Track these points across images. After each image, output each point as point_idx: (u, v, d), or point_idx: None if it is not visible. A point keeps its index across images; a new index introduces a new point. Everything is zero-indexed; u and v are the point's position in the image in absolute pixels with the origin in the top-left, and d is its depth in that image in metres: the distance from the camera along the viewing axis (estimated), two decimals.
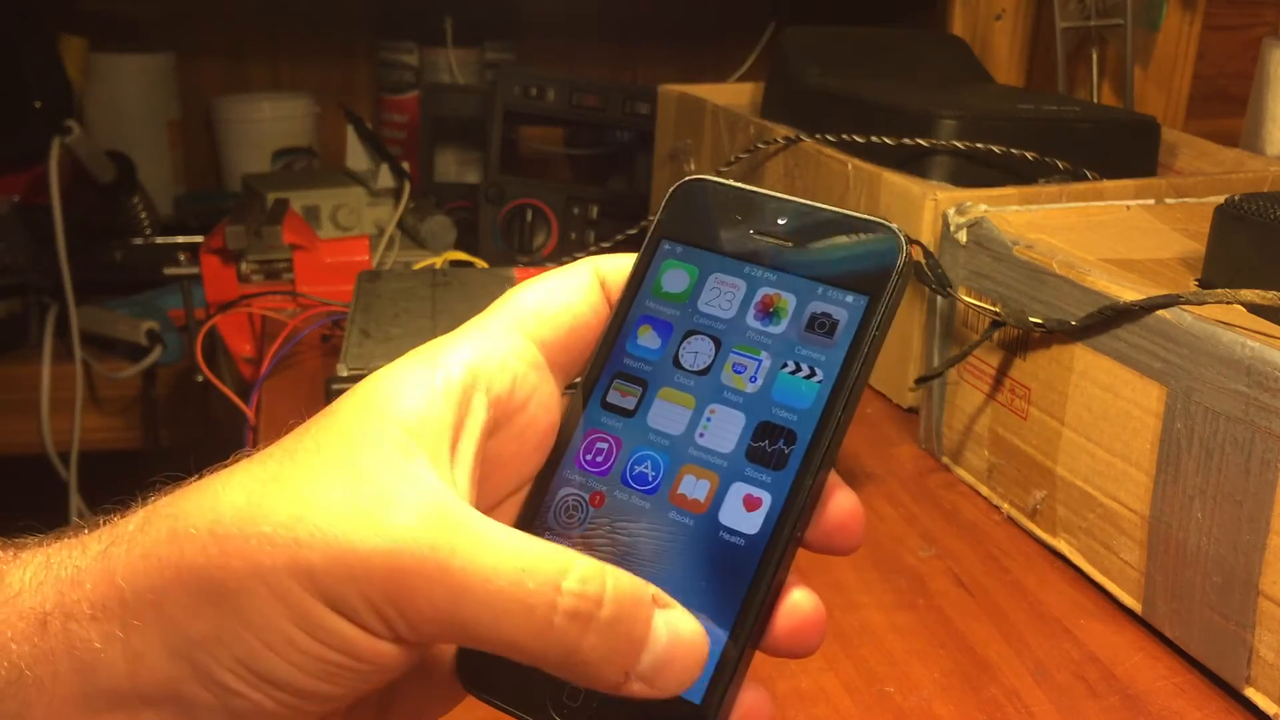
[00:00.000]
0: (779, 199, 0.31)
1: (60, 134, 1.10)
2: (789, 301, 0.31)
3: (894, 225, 0.30)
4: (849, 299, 0.30)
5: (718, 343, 0.31)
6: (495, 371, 0.29)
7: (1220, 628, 0.51)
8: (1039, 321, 0.60)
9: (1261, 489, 0.48)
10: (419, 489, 0.26)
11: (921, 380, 0.72)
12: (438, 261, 1.02)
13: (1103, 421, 0.57)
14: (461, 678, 0.29)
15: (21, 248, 1.14)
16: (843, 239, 0.31)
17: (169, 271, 1.04)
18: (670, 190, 0.33)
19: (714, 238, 0.32)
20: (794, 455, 0.29)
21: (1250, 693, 0.50)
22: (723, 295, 0.31)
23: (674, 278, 0.32)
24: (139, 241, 1.20)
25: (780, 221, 0.31)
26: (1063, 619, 0.57)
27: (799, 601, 0.29)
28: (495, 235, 1.16)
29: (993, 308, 0.63)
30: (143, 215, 1.20)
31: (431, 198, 1.24)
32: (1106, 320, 0.56)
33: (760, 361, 0.30)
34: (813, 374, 0.30)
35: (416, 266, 0.98)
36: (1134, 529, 0.56)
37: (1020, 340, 0.63)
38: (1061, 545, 0.62)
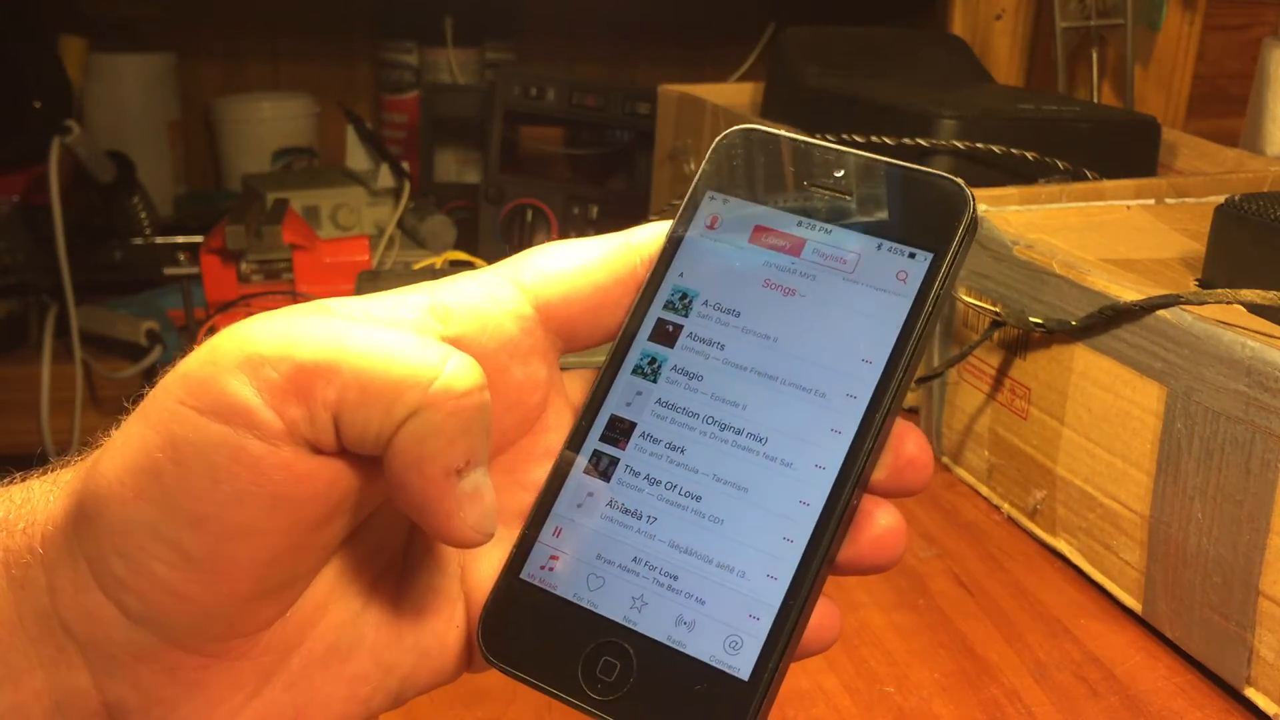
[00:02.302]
0: (835, 150, 0.30)
1: (60, 134, 1.10)
2: (846, 251, 0.29)
3: (959, 179, 0.28)
4: (912, 256, 0.28)
5: None
6: (464, 311, 0.28)
7: (1220, 628, 0.51)
8: (1039, 321, 0.60)
9: (1261, 489, 0.48)
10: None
11: (921, 380, 0.72)
12: (438, 261, 1.02)
13: (1103, 421, 0.57)
14: (485, 649, 0.28)
15: (21, 248, 1.14)
16: (904, 193, 0.29)
17: (169, 271, 1.04)
18: (715, 140, 0.31)
19: (763, 190, 0.30)
20: (854, 415, 0.28)
21: (1250, 693, 0.50)
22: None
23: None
24: (139, 241, 1.20)
25: (836, 174, 0.30)
26: (1063, 619, 0.57)
27: (874, 515, 0.28)
28: (495, 235, 1.16)
29: (993, 308, 0.63)
30: (143, 215, 1.20)
31: (431, 198, 1.24)
32: (1106, 320, 0.56)
33: None
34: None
35: (416, 266, 0.98)
36: (1134, 529, 0.56)
37: (1020, 340, 0.63)
38: (1061, 545, 0.62)
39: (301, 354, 0.25)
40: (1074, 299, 0.58)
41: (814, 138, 0.30)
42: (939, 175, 0.29)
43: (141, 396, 0.26)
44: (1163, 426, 0.53)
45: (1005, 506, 0.66)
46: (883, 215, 0.29)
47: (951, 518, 0.67)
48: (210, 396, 0.25)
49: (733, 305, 0.30)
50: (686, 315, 0.30)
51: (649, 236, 0.31)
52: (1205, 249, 0.60)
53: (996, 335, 0.65)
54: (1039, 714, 0.51)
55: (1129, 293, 0.55)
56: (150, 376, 1.24)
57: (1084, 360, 0.58)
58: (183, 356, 0.26)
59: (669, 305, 0.30)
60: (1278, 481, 0.47)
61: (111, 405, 1.18)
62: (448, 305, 0.28)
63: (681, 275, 0.30)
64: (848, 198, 0.29)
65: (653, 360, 0.30)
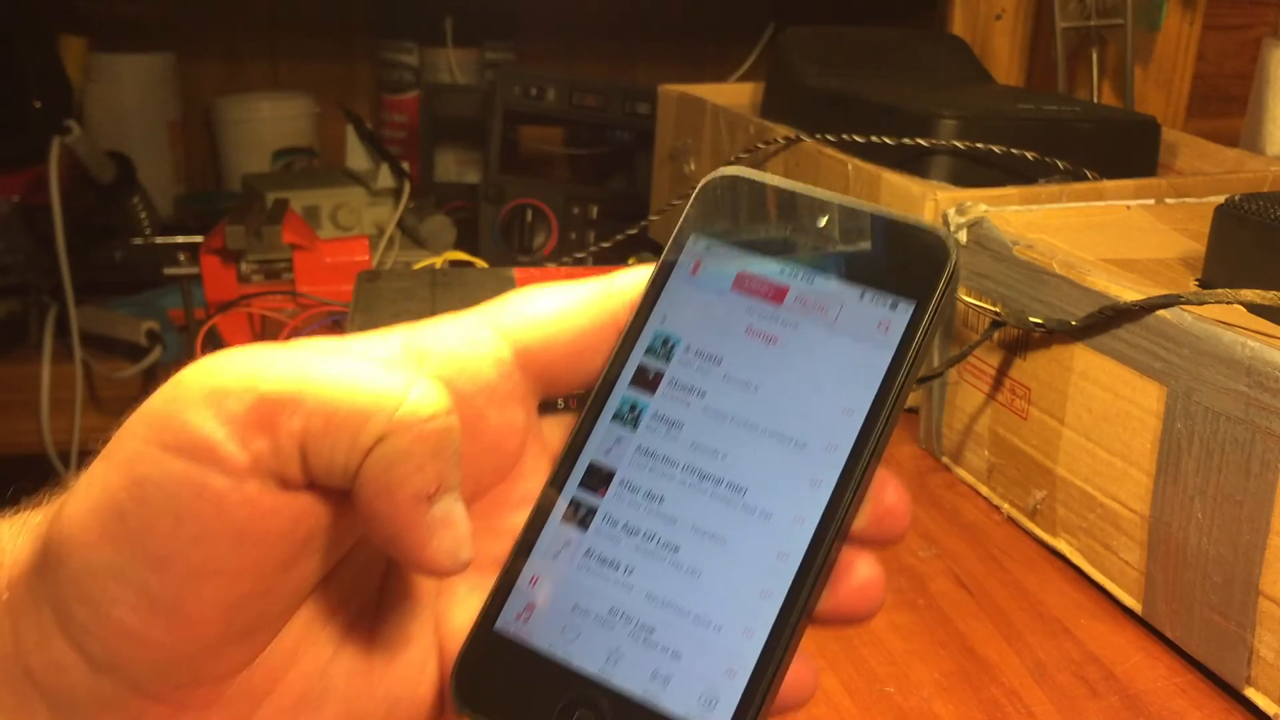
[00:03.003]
0: (819, 198, 0.30)
1: (60, 134, 1.10)
2: (829, 299, 0.29)
3: (942, 229, 0.29)
4: (894, 306, 0.28)
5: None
6: (441, 353, 0.28)
7: (1220, 628, 0.51)
8: (1039, 321, 0.60)
9: (1261, 489, 0.48)
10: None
11: (922, 380, 0.72)
12: (438, 261, 1.02)
13: (1103, 421, 0.57)
14: (458, 700, 0.28)
15: (21, 248, 1.14)
16: (887, 243, 0.29)
17: (169, 271, 1.04)
18: (701, 184, 0.31)
19: (747, 237, 0.30)
20: (835, 467, 0.28)
21: (1250, 693, 0.50)
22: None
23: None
24: (139, 241, 1.20)
25: (820, 221, 0.30)
26: (1063, 619, 0.57)
27: (854, 566, 0.28)
28: (495, 235, 1.16)
29: (993, 308, 0.63)
30: (143, 215, 1.20)
31: (431, 198, 1.24)
32: (1106, 320, 0.56)
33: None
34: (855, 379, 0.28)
35: (416, 266, 0.98)
36: (1134, 529, 0.56)
37: (1020, 340, 0.63)
38: (1061, 545, 0.62)
39: (265, 385, 0.25)
40: (1074, 299, 0.58)
41: (800, 185, 0.30)
42: (922, 225, 0.29)
43: (110, 438, 0.26)
44: (1163, 426, 0.53)
45: (1005, 506, 0.66)
46: (866, 265, 0.29)
47: (951, 518, 0.67)
48: (173, 432, 0.24)
49: (714, 352, 0.29)
50: (668, 361, 0.30)
51: (632, 281, 0.31)
52: (1205, 249, 0.60)
53: (996, 335, 0.65)
54: (1039, 714, 0.51)
55: (1129, 293, 0.55)
56: (150, 376, 1.25)
57: (1084, 360, 0.58)
58: (153, 390, 0.26)
59: (650, 351, 0.30)
60: (1278, 481, 0.47)
61: (111, 405, 1.17)
62: (424, 347, 0.28)
63: (664, 321, 0.30)
64: (831, 246, 0.29)
65: (633, 407, 0.30)
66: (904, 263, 0.29)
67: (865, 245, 0.29)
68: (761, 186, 0.30)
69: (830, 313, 0.29)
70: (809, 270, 0.29)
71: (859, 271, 0.29)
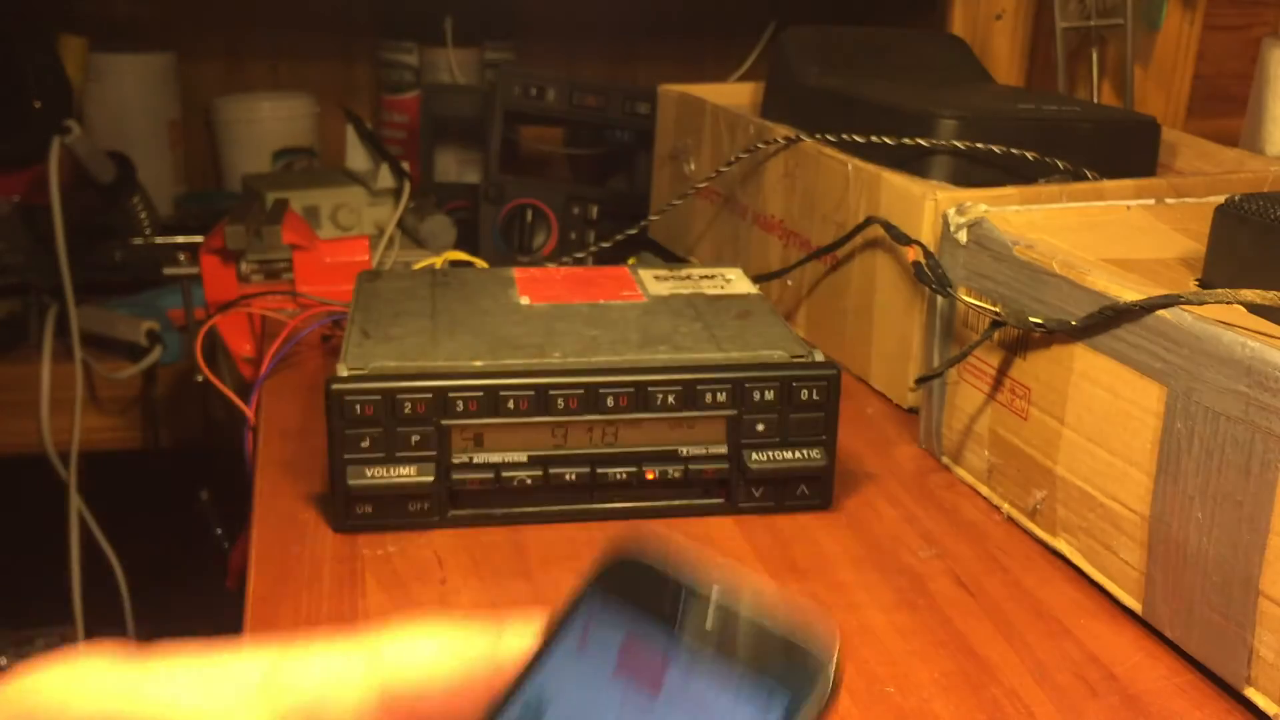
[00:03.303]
0: (709, 594, 0.29)
1: (60, 134, 1.10)
2: (704, 694, 0.28)
3: (826, 637, 0.28)
4: (769, 706, 0.28)
5: None
6: (302, 688, 0.27)
7: (1220, 628, 0.51)
8: (1039, 321, 0.60)
9: (1261, 489, 0.48)
10: None
11: (921, 380, 0.72)
12: (438, 261, 1.02)
13: (1103, 421, 0.57)
14: None
15: (21, 248, 1.14)
16: (771, 643, 0.29)
17: (169, 271, 1.04)
18: (602, 557, 0.31)
19: (638, 618, 0.30)
20: None
21: (1250, 693, 0.50)
22: (635, 675, 0.29)
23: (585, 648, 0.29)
24: (139, 241, 1.20)
25: (708, 616, 0.29)
26: (1063, 619, 0.57)
27: None
28: (495, 235, 1.16)
29: (993, 308, 0.63)
30: (143, 215, 1.20)
31: (431, 198, 1.24)
32: (1106, 320, 0.56)
33: None
34: None
35: (416, 266, 0.98)
36: (1134, 529, 0.56)
37: (1020, 340, 0.63)
38: (1061, 545, 0.62)
39: None
40: (1074, 299, 0.58)
41: (697, 576, 0.29)
42: (805, 634, 0.28)
43: None
44: (1163, 426, 0.53)
45: (1005, 506, 0.66)
46: (747, 662, 0.28)
47: (951, 518, 0.67)
48: None
49: None
50: None
51: (518, 640, 0.29)
52: (1205, 249, 0.60)
53: (996, 335, 0.65)
54: (1039, 714, 0.51)
55: (1129, 293, 0.55)
56: (150, 376, 1.24)
57: (1084, 360, 0.58)
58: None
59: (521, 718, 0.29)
60: (1278, 481, 0.47)
61: (111, 405, 1.18)
62: (285, 678, 0.27)
63: (540, 691, 0.29)
64: (716, 640, 0.29)
65: None
66: (786, 665, 0.28)
67: (750, 643, 0.29)
68: (658, 572, 0.30)
69: (706, 708, 0.28)
70: (691, 661, 0.29)
71: (739, 668, 0.28)
